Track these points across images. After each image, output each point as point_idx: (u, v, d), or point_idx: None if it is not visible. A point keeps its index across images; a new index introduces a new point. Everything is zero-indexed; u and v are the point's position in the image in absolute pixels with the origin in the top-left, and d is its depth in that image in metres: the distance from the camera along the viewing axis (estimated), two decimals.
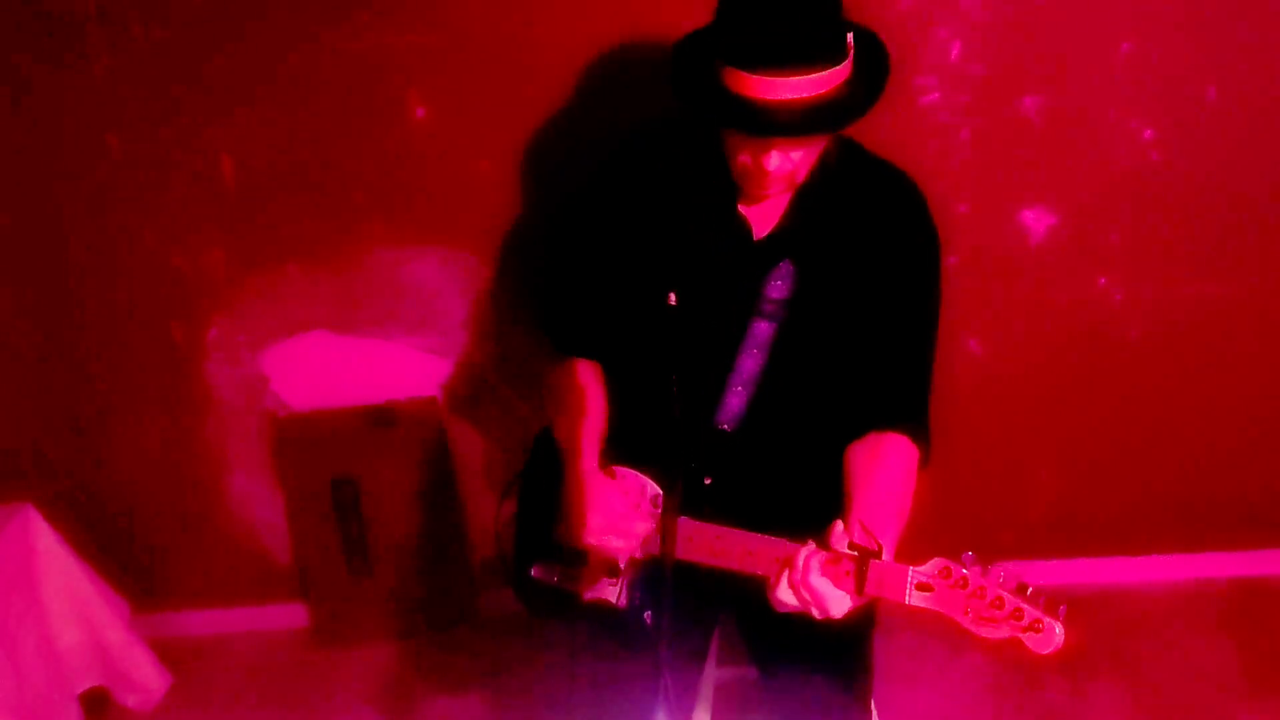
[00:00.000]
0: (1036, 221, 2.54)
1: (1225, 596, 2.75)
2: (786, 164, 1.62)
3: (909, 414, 1.76)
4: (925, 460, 1.77)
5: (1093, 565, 2.84)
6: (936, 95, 2.44)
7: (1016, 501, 2.82)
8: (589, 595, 1.86)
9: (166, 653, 2.81)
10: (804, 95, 1.52)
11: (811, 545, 1.59)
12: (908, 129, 2.45)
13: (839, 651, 1.83)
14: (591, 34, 2.39)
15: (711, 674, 2.05)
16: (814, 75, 1.52)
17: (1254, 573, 2.79)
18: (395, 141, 2.55)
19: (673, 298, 1.66)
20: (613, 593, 1.84)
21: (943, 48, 2.40)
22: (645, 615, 1.82)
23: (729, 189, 1.74)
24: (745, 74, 1.53)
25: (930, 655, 2.45)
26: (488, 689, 2.75)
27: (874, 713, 1.97)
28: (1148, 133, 2.45)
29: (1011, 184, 2.52)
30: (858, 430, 1.74)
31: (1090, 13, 2.36)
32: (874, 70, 1.62)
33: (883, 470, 1.70)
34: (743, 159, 1.64)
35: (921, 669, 2.46)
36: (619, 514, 1.76)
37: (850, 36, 1.58)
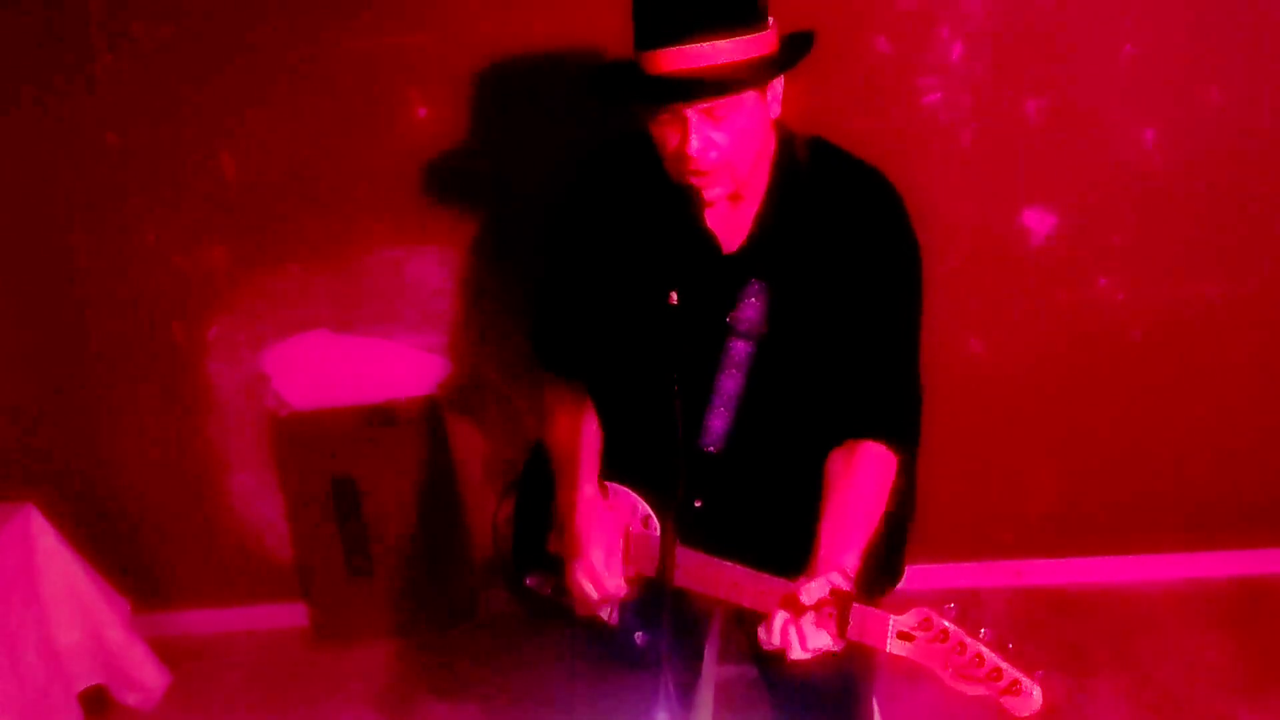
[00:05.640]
0: (1038, 222, 2.54)
1: (1225, 595, 2.75)
2: (711, 149, 1.60)
3: (886, 421, 1.73)
4: (907, 464, 1.75)
5: (1093, 564, 2.84)
6: (938, 96, 2.44)
7: (1017, 500, 2.82)
8: (582, 611, 1.86)
9: (166, 652, 2.81)
10: (705, 64, 1.54)
11: (787, 615, 1.56)
12: (909, 129, 2.45)
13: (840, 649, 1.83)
14: (593, 33, 2.39)
15: (712, 674, 2.05)
16: (716, 42, 1.54)
17: (1254, 572, 2.79)
18: (397, 141, 2.55)
19: (674, 296, 1.66)
20: (604, 611, 1.84)
21: (944, 48, 2.40)
22: (636, 636, 1.81)
23: (694, 203, 1.72)
24: (652, 53, 1.57)
25: None
26: (488, 689, 2.75)
27: (875, 710, 1.97)
28: (1149, 134, 2.45)
29: (1013, 184, 2.52)
30: (839, 439, 1.73)
31: (1092, 14, 2.37)
32: (794, 46, 1.64)
33: (854, 479, 1.68)
34: (671, 151, 1.62)
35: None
36: (612, 553, 1.76)
37: (771, 21, 1.60)
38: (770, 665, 1.92)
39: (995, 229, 2.55)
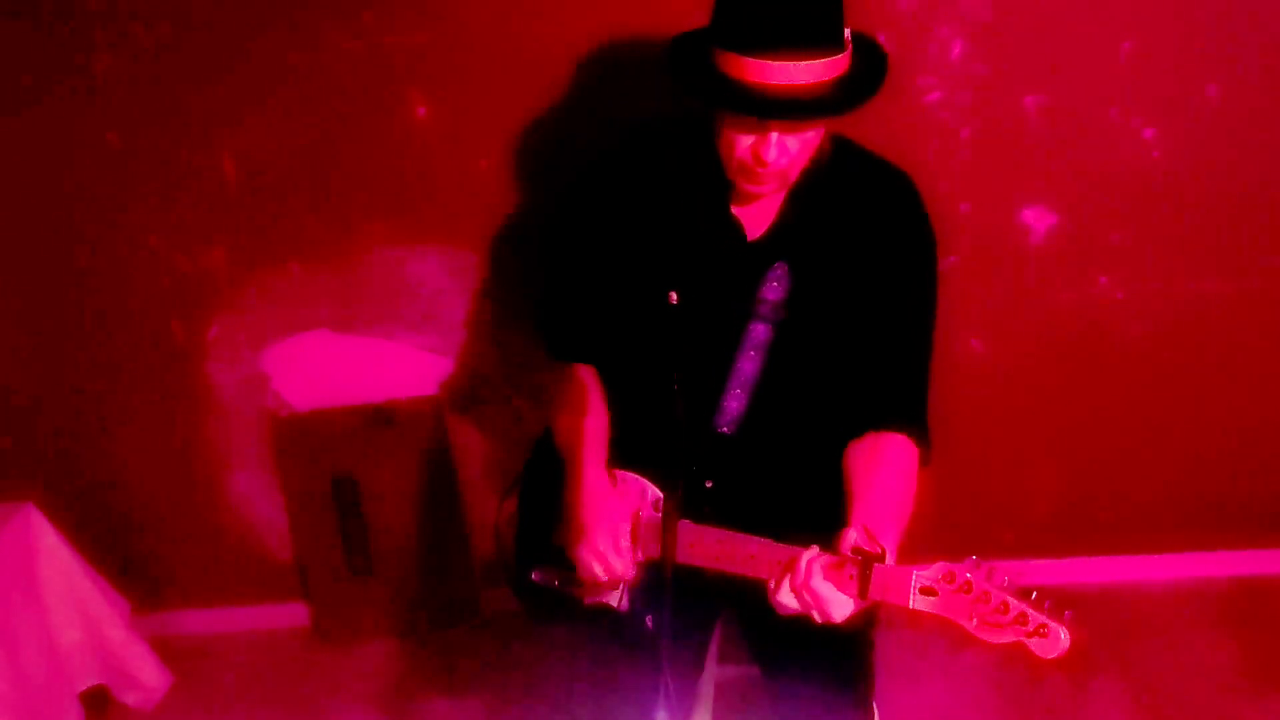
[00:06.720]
0: (1038, 220, 2.54)
1: (1226, 595, 2.75)
2: (783, 156, 1.61)
3: (908, 413, 1.76)
4: (926, 459, 1.76)
5: (1094, 564, 2.85)
6: (938, 94, 2.44)
7: (1018, 500, 2.82)
8: (590, 600, 1.86)
9: (167, 651, 2.81)
10: (801, 81, 1.53)
11: (814, 549, 1.58)
12: (909, 128, 2.45)
13: (841, 649, 1.83)
14: (593, 33, 2.39)
15: (712, 673, 2.05)
16: (812, 62, 1.53)
17: (1255, 571, 2.79)
18: (396, 141, 2.55)
19: (674, 296, 1.67)
20: (614, 597, 1.84)
21: (944, 47, 2.40)
22: (646, 619, 1.81)
23: (722, 190, 1.73)
24: (744, 58, 1.54)
25: (932, 653, 2.45)
26: (488, 689, 2.75)
27: (875, 711, 1.97)
28: (1148, 132, 2.45)
29: (1013, 183, 2.52)
30: (857, 430, 1.74)
31: (1091, 12, 2.37)
32: (872, 65, 1.63)
33: (883, 471, 1.69)
34: (740, 152, 1.63)
35: (923, 666, 2.46)
36: (618, 535, 1.76)
37: (848, 33, 1.59)
38: (771, 664, 1.92)
39: (995, 228, 2.55)
